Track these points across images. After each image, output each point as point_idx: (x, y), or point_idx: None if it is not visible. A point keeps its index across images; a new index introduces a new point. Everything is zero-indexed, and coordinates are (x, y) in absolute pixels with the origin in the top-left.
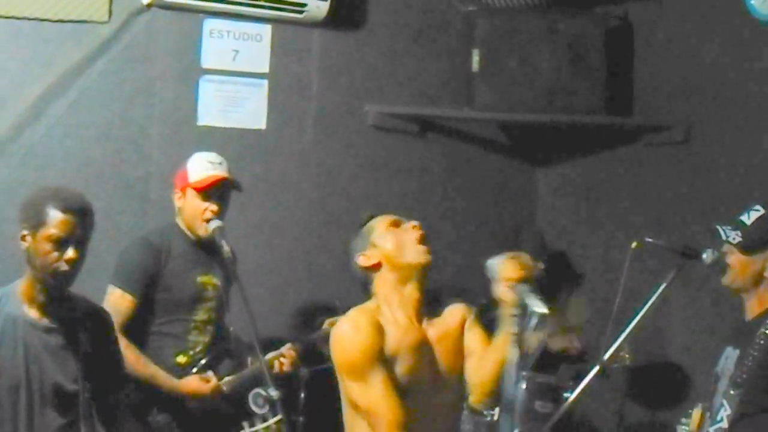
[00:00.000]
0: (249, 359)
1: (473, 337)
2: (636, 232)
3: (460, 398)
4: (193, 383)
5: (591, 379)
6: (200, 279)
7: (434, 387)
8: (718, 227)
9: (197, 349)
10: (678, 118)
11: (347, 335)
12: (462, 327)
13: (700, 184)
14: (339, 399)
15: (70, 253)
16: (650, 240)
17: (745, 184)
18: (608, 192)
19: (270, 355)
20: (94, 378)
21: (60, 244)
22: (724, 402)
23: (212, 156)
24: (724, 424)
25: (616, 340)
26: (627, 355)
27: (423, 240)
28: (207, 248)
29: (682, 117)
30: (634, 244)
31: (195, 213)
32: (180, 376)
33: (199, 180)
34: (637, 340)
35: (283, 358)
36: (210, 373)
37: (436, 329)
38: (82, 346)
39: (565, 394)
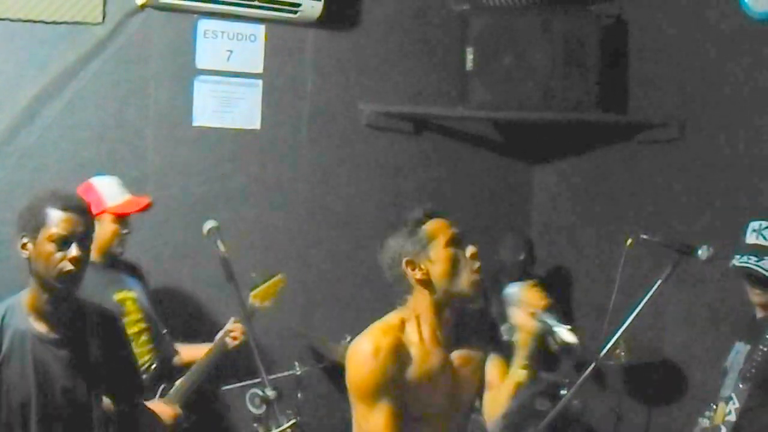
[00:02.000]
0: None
1: (493, 368)
2: (631, 229)
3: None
4: (159, 406)
5: (587, 377)
6: (116, 297)
7: (450, 410)
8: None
9: (143, 359)
10: (672, 115)
11: (364, 356)
12: (485, 356)
13: (694, 180)
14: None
15: (74, 251)
16: (645, 236)
17: (738, 181)
18: (603, 189)
19: (219, 335)
20: (110, 386)
21: (62, 243)
22: (733, 395)
23: (115, 179)
24: (733, 417)
25: (611, 337)
26: (623, 353)
27: (479, 270)
28: (114, 266)
29: (677, 114)
30: (629, 241)
31: (111, 236)
32: None
33: (120, 204)
34: (633, 337)
35: (232, 332)
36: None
37: (460, 353)
38: (93, 356)
39: (562, 392)
